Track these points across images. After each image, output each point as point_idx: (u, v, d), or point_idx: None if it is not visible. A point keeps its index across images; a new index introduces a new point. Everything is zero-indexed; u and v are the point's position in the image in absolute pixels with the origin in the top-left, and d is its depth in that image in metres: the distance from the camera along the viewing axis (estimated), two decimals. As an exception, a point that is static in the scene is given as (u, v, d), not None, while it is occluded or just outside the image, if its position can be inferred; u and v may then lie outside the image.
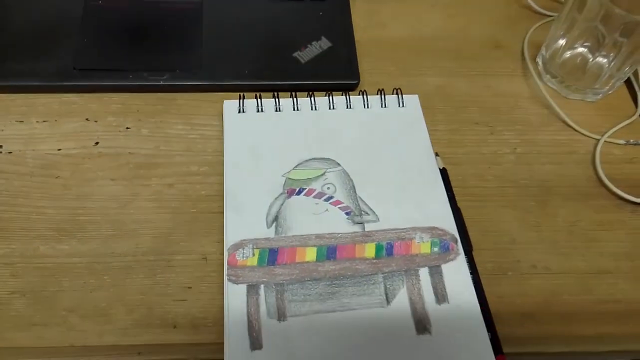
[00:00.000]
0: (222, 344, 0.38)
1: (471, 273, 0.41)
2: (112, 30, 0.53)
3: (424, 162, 0.47)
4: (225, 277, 0.40)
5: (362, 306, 0.39)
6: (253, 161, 0.46)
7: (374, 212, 0.44)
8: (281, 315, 0.38)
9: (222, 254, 0.42)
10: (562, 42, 0.53)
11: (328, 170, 0.46)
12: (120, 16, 0.54)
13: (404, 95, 0.51)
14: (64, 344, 0.39)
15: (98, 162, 0.47)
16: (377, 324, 0.38)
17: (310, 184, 0.45)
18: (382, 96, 0.50)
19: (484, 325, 0.39)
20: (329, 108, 0.50)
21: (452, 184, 0.47)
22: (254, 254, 0.41)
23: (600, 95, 0.54)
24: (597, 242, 0.46)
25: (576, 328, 0.42)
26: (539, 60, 0.57)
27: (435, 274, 0.41)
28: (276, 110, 0.49)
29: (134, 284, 0.41)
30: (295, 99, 0.50)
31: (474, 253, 0.43)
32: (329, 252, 0.41)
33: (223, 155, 0.47)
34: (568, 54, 0.54)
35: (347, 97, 0.50)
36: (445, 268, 0.41)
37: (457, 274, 0.41)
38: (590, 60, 0.52)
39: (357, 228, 0.43)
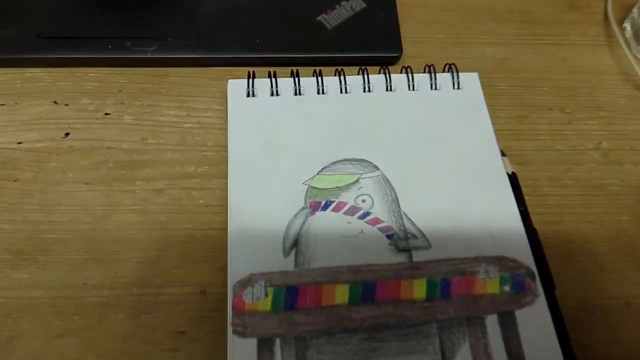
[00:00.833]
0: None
1: (555, 322, 0.31)
2: (86, -14, 0.42)
3: (487, 165, 0.36)
4: (229, 328, 0.30)
5: (411, 368, 0.29)
6: (265, 162, 0.35)
7: (423, 235, 0.33)
8: (303, 381, 0.29)
9: (225, 285, 0.32)
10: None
11: (363, 176, 0.35)
12: (96, -33, 0.43)
13: (459, 74, 0.39)
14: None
15: (68, 160, 0.37)
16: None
17: (340, 195, 0.34)
18: (432, 74, 0.39)
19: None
20: (364, 90, 0.39)
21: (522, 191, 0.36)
22: (267, 294, 0.31)
23: None
24: None
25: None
26: (628, 25, 0.45)
27: (508, 323, 0.31)
28: (295, 94, 0.38)
29: (112, 327, 0.32)
30: (319, 79, 0.38)
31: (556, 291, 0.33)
32: (365, 291, 0.31)
33: (227, 151, 0.36)
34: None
35: (387, 75, 0.39)
36: (520, 315, 0.31)
37: (535, 323, 0.31)
38: None
39: (402, 257, 0.32)
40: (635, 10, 0.44)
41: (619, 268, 0.35)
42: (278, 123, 0.37)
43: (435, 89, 0.39)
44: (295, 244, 0.33)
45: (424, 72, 0.40)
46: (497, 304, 0.31)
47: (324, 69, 0.39)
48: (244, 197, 0.34)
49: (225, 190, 0.35)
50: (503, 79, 0.43)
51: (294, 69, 0.39)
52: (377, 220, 0.34)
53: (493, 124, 0.38)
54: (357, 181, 0.35)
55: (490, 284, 0.32)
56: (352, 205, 0.34)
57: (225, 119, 0.38)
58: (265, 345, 0.30)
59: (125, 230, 0.35)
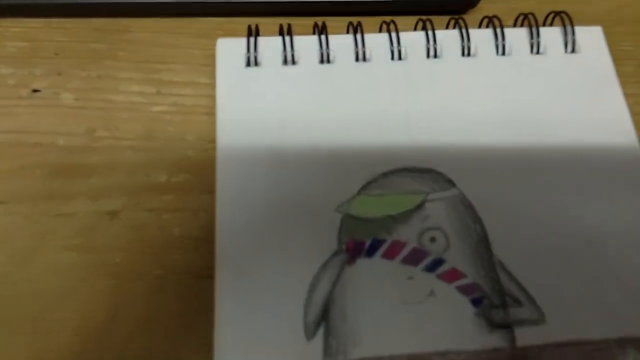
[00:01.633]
0: None
1: None
2: None
3: (624, 175, 0.23)
4: None
5: None
6: (274, 172, 0.22)
7: (532, 301, 0.20)
8: None
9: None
10: None
11: (431, 197, 0.22)
12: None
13: (575, 28, 0.25)
14: None
15: (-25, 164, 0.24)
16: None
17: (396, 230, 0.21)
18: (532, 29, 0.25)
19: None
20: (427, 55, 0.25)
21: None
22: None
23: None
24: None
25: None
26: None
27: None
28: (322, 61, 0.25)
29: None
30: (358, 37, 0.25)
31: None
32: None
33: (215, 149, 0.23)
34: None
35: (462, 31, 0.25)
36: None
37: None
38: None
39: (498, 338, 0.20)
40: None
41: None
42: (294, 107, 0.24)
43: (537, 52, 0.25)
44: (323, 317, 0.20)
45: (517, 26, 0.26)
46: None
47: (364, 20, 0.25)
48: (238, 232, 0.21)
49: (211, 211, 0.23)
50: (627, 36, 0.29)
51: (319, 20, 0.25)
52: (455, 274, 0.21)
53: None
54: (421, 206, 0.22)
55: (647, 388, 0.19)
56: (415, 248, 0.21)
57: (214, 98, 0.25)
58: None
59: (57, 279, 0.22)
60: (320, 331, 0.20)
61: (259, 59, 0.24)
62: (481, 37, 0.25)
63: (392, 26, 0.25)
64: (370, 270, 0.21)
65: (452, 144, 0.23)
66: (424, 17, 0.26)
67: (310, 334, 0.20)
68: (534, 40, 0.25)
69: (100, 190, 0.24)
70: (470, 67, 0.25)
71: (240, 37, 0.25)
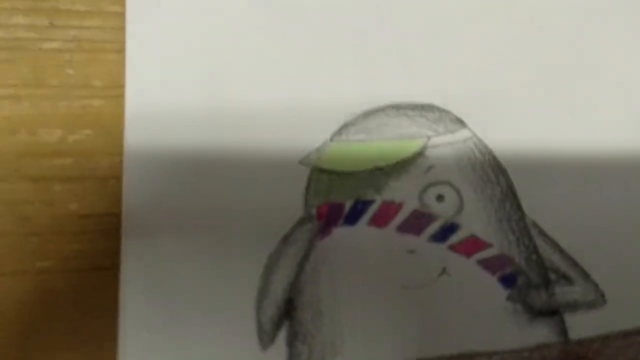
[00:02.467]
0: None
1: None
2: None
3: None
4: None
5: None
6: (204, 122, 0.16)
7: (583, 275, 0.14)
8: None
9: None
10: None
11: (434, 143, 0.16)
12: None
13: None
14: None
15: None
16: None
17: (387, 187, 0.15)
18: None
19: None
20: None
21: None
22: None
23: None
24: None
25: None
26: None
27: None
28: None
29: None
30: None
31: None
32: None
33: (124, 97, 0.17)
34: None
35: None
36: None
37: None
38: None
39: (543, 329, 0.13)
40: None
41: None
42: (229, 37, 0.17)
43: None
44: (286, 314, 0.13)
45: None
46: None
47: None
48: (156, 201, 0.14)
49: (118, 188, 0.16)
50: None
51: None
52: (475, 244, 0.15)
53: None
54: (421, 154, 0.15)
55: None
56: (416, 210, 0.15)
57: (122, 30, 0.18)
58: None
59: None
60: (282, 335, 0.13)
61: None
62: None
63: None
64: (352, 244, 0.14)
65: (458, 70, 0.17)
66: None
67: (266, 340, 0.13)
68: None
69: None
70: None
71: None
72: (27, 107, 0.18)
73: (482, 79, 0.17)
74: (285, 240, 0.14)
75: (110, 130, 0.18)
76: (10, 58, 0.18)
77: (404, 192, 0.15)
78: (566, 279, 0.14)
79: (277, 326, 0.13)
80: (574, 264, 0.14)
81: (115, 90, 0.18)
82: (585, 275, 0.14)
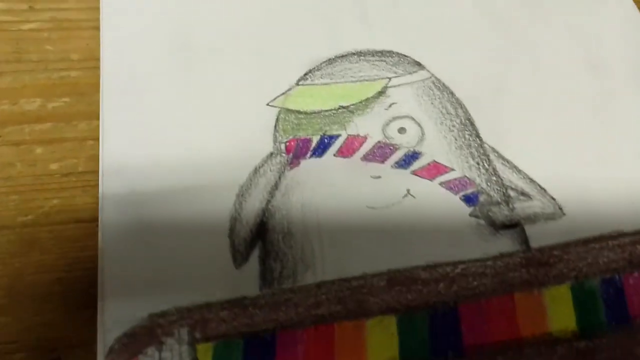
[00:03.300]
0: None
1: None
2: None
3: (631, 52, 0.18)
4: None
5: None
6: (177, 76, 0.17)
7: (541, 190, 0.15)
8: None
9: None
10: None
11: (394, 83, 0.16)
12: None
13: None
14: None
15: None
16: None
17: (352, 123, 0.16)
18: None
19: None
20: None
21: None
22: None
23: None
24: None
25: None
26: None
27: None
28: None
29: None
30: None
31: None
32: (437, 330, 0.13)
33: (100, 68, 0.17)
34: None
35: None
36: None
37: None
38: None
39: (506, 241, 0.14)
40: None
41: None
42: (196, 6, 0.18)
43: None
44: (258, 237, 0.14)
45: None
46: None
47: None
48: (134, 150, 0.15)
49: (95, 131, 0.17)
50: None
51: None
52: (436, 168, 0.15)
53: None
54: (383, 92, 0.16)
55: None
56: (380, 142, 0.15)
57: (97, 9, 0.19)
58: None
59: None
60: (256, 255, 0.14)
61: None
62: None
63: None
64: (320, 172, 0.15)
65: (417, 18, 0.18)
66: None
67: (240, 260, 0.13)
68: None
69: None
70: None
71: None
72: (9, 81, 0.19)
73: (438, 27, 0.18)
74: (256, 171, 0.15)
75: (87, 96, 0.18)
76: (-9, 37, 0.19)
77: (367, 127, 0.16)
78: (525, 195, 0.15)
79: (250, 246, 0.14)
80: (532, 181, 0.15)
81: (92, 62, 0.19)
82: (543, 191, 0.15)
